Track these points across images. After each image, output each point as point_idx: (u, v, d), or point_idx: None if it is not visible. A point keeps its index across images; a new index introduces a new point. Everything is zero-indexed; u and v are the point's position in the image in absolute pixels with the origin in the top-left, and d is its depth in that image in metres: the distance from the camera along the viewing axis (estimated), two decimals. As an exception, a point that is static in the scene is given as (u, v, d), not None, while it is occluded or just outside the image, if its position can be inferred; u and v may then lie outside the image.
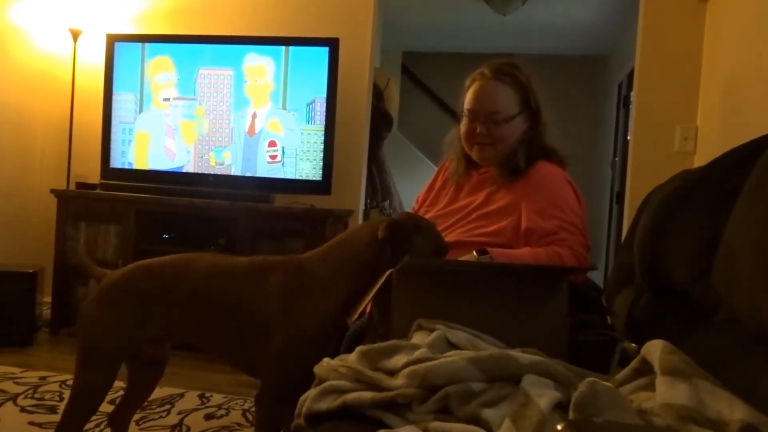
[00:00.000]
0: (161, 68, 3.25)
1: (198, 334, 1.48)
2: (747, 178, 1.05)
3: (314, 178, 3.07)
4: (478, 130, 1.69)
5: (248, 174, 3.15)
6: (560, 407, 0.78)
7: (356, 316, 1.68)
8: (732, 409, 0.68)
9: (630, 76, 3.53)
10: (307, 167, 3.09)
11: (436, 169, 1.92)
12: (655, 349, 0.81)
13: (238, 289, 1.41)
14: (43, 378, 2.50)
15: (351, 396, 0.93)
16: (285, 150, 3.12)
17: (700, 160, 2.74)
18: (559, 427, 0.51)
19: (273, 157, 3.14)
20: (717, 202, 1.19)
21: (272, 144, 3.15)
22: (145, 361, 1.62)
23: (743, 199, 1.05)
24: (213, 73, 3.20)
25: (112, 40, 3.30)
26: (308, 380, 1.38)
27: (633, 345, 1.33)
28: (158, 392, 2.30)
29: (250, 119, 3.17)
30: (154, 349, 1.59)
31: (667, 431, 0.64)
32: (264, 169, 3.14)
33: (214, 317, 1.43)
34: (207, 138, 3.22)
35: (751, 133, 1.28)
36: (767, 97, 2.14)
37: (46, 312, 3.29)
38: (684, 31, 2.95)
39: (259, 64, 3.16)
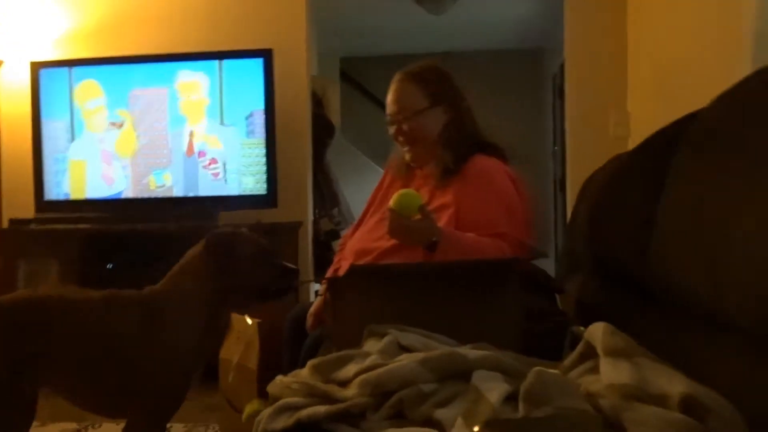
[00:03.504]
0: (89, 93, 3.15)
1: (60, 375, 1.43)
2: (673, 158, 1.09)
3: (259, 192, 3.03)
4: (394, 131, 1.76)
5: (191, 194, 3.08)
6: (511, 399, 0.79)
7: (311, 323, 1.67)
8: (672, 383, 0.70)
9: (563, 67, 3.61)
10: (251, 181, 3.04)
11: (382, 171, 1.95)
12: (597, 332, 0.83)
13: (99, 322, 1.40)
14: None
15: (305, 412, 0.92)
16: (226, 166, 3.06)
17: (633, 144, 2.81)
18: (475, 429, 0.51)
19: (215, 174, 3.08)
20: (649, 182, 1.22)
21: (213, 161, 3.09)
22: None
23: (673, 180, 1.08)
24: (146, 93, 3.12)
25: (37, 68, 3.18)
26: (177, 407, 1.41)
27: (582, 328, 1.36)
28: (117, 426, 2.22)
29: (187, 137, 3.11)
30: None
31: (580, 417, 0.65)
32: (207, 188, 3.07)
33: (75, 354, 1.40)
34: (145, 161, 3.13)
35: (679, 113, 1.32)
36: (692, 78, 2.23)
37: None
38: (608, 21, 3.05)
39: (193, 80, 3.10)
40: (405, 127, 1.72)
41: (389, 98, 1.77)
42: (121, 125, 3.14)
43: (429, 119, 1.72)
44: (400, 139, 1.76)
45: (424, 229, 1.47)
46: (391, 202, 1.50)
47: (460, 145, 1.69)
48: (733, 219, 0.79)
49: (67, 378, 1.43)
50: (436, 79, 1.74)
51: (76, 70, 3.16)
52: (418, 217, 1.48)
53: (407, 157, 1.77)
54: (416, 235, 1.49)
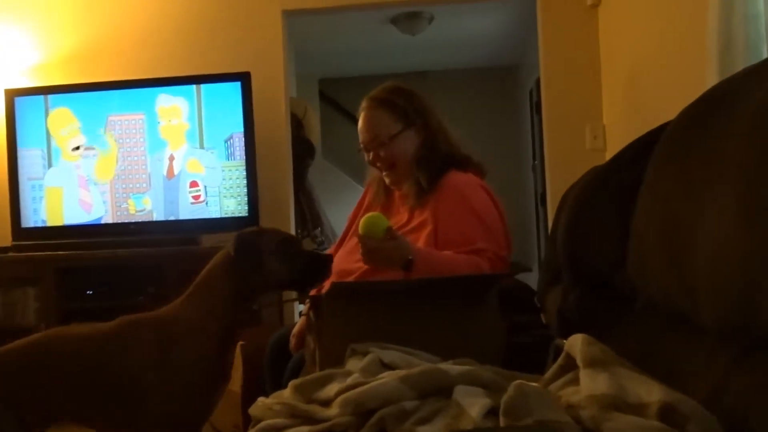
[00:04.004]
0: (62, 120, 3.13)
1: (79, 415, 1.40)
2: (645, 167, 1.11)
3: (240, 215, 3.02)
4: (371, 158, 1.77)
5: (171, 218, 3.06)
6: (492, 413, 0.79)
7: (294, 343, 1.66)
8: (650, 392, 0.70)
9: (538, 82, 3.67)
10: (232, 204, 3.03)
11: (363, 190, 1.96)
12: (576, 344, 0.84)
13: (110, 356, 1.37)
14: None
15: (287, 433, 0.91)
16: (207, 189, 3.05)
17: (610, 155, 2.86)
18: None
19: (196, 197, 3.06)
20: (624, 192, 1.24)
21: (194, 184, 3.08)
22: None
23: (645, 190, 1.10)
24: (123, 119, 3.11)
25: (11, 95, 3.16)
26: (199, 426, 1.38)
27: (565, 341, 1.37)
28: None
29: (167, 162, 3.09)
30: None
31: (560, 428, 0.65)
32: (187, 211, 3.06)
33: (92, 391, 1.37)
34: (123, 185, 3.11)
35: (652, 124, 1.35)
36: (664, 89, 2.28)
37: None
38: (580, 35, 3.11)
39: (173, 104, 3.09)
40: (381, 153, 1.73)
41: (361, 126, 1.78)
42: (97, 151, 3.12)
43: (404, 142, 1.73)
44: (378, 165, 1.77)
45: (396, 249, 1.48)
46: (360, 229, 1.51)
47: (434, 164, 1.70)
48: (700, 225, 0.80)
49: (89, 413, 1.40)
50: (404, 100, 1.75)
51: (52, 98, 3.15)
52: (387, 238, 1.48)
53: (387, 180, 1.78)
54: (389, 256, 1.49)
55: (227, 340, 1.40)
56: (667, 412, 0.67)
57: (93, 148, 3.12)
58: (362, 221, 1.50)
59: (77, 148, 3.12)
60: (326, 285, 1.66)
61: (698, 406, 0.68)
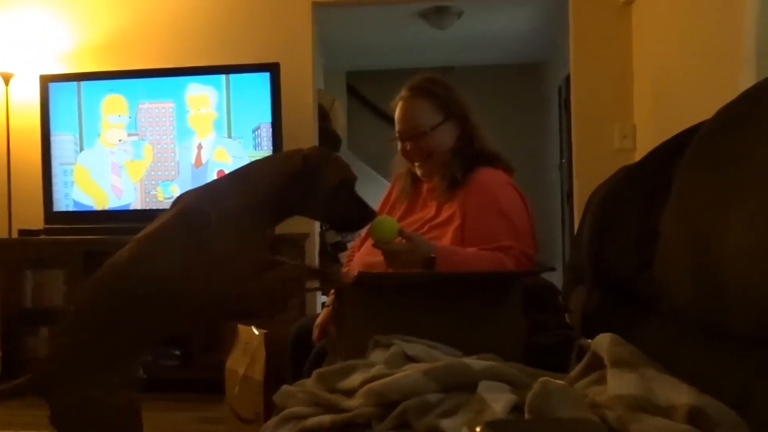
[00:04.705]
0: (115, 107, 3.18)
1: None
2: (676, 170, 1.09)
3: (266, 204, 3.04)
4: (408, 148, 1.74)
5: (198, 206, 3.10)
6: (517, 410, 0.79)
7: (317, 334, 1.67)
8: (678, 394, 0.70)
9: (568, 80, 3.63)
10: (258, 194, 3.06)
11: (389, 184, 1.95)
12: (603, 343, 0.83)
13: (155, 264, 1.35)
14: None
15: (310, 421, 0.92)
16: (234, 178, 3.08)
17: (639, 156, 2.81)
18: (477, 429, 0.51)
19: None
20: (652, 195, 1.22)
21: (221, 173, 3.11)
22: None
23: (674, 193, 1.09)
24: (153, 107, 3.15)
25: (46, 81, 3.22)
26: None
27: (589, 341, 1.36)
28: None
29: (195, 150, 3.13)
30: None
31: (586, 426, 0.65)
32: (214, 200, 3.09)
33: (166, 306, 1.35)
34: (152, 173, 3.16)
35: (683, 125, 1.33)
36: (696, 90, 2.24)
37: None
38: (612, 32, 3.07)
39: (202, 93, 3.13)
40: (420, 143, 1.71)
41: (400, 115, 1.75)
42: (130, 137, 3.17)
43: (442, 134, 1.71)
44: (412, 155, 1.74)
45: (415, 249, 1.47)
46: (372, 237, 1.49)
47: (469, 158, 1.68)
48: (731, 230, 0.79)
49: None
50: (445, 92, 1.74)
51: (86, 84, 3.20)
52: (401, 240, 1.47)
53: (419, 172, 1.76)
54: (410, 259, 1.48)
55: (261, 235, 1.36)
56: (695, 416, 0.66)
57: (128, 135, 3.17)
58: (371, 228, 1.48)
59: (114, 136, 3.18)
60: (351, 275, 1.67)
61: (729, 411, 0.67)
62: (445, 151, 1.70)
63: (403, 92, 1.76)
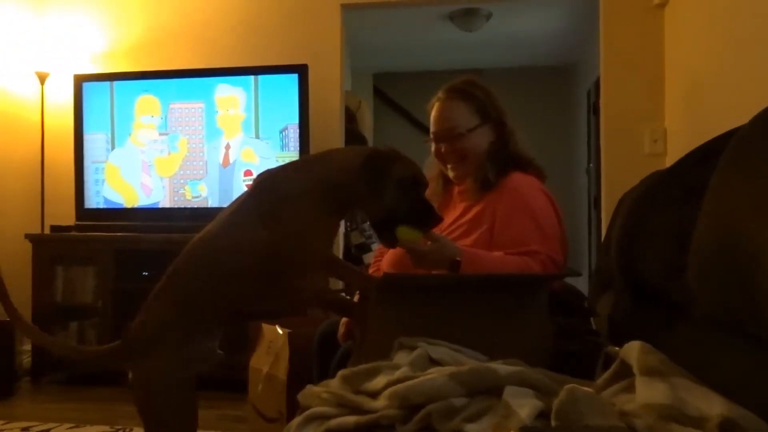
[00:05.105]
0: (148, 108, 3.24)
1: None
2: (710, 175, 1.07)
3: (292, 205, 3.06)
4: (443, 149, 1.73)
5: (225, 205, 3.13)
6: (543, 416, 0.78)
7: (343, 331, 1.67)
8: (710, 405, 0.68)
9: (597, 83, 3.58)
10: (284, 194, 3.08)
11: None
12: (632, 351, 0.82)
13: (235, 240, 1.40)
14: (25, 429, 2.44)
15: (334, 422, 0.92)
16: (261, 178, 3.11)
17: (670, 161, 2.78)
18: None
19: (249, 186, 3.13)
20: (684, 200, 1.20)
21: (248, 173, 3.14)
22: None
23: (709, 198, 1.06)
24: (183, 107, 3.20)
25: (80, 81, 3.29)
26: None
27: (616, 348, 1.34)
28: None
29: (223, 150, 3.17)
30: None
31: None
32: (241, 199, 3.12)
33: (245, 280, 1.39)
34: (181, 172, 3.20)
35: (716, 130, 1.30)
36: (729, 94, 2.19)
37: (27, 360, 3.22)
38: (644, 35, 3.02)
39: (231, 94, 3.16)
40: (456, 144, 1.71)
41: (436, 116, 1.74)
42: (161, 137, 3.22)
43: (478, 137, 1.71)
44: (446, 156, 1.74)
45: (441, 249, 1.46)
46: (398, 237, 1.48)
47: (503, 162, 1.68)
48: (767, 237, 0.77)
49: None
50: (483, 95, 1.73)
51: (118, 84, 3.26)
52: (426, 241, 1.47)
53: (451, 174, 1.76)
54: (436, 259, 1.47)
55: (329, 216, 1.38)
56: (728, 428, 0.65)
57: (159, 134, 3.22)
58: (397, 228, 1.48)
59: (146, 136, 3.23)
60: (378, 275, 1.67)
61: (762, 423, 0.65)
62: (479, 153, 1.69)
63: (441, 93, 1.76)
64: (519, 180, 1.65)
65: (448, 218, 1.72)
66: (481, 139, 1.70)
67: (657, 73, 2.99)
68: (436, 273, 1.51)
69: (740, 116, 1.04)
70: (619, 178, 2.85)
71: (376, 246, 3.81)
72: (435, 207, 1.43)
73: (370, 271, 1.85)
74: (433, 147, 1.77)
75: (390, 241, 1.43)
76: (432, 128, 1.76)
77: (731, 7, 2.20)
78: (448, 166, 1.75)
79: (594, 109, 5.34)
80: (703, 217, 1.03)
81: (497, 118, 1.72)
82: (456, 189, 1.77)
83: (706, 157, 1.22)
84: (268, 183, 1.43)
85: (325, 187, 1.36)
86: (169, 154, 3.22)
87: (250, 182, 3.16)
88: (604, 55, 3.13)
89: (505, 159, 1.68)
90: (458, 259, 1.46)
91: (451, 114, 1.72)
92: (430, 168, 1.83)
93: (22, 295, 3.22)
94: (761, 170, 0.89)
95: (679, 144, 2.79)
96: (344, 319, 1.69)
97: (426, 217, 1.39)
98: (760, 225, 0.81)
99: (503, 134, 1.72)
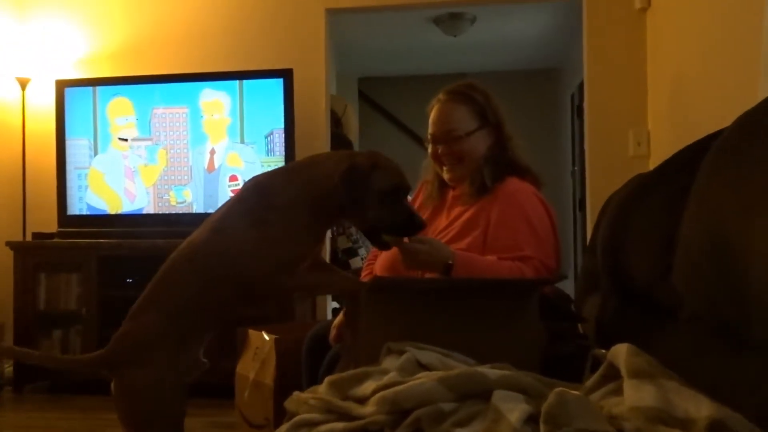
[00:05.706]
0: (120, 110, 3.21)
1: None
2: (694, 177, 1.08)
3: (278, 210, 3.05)
4: (440, 151, 1.73)
5: (210, 210, 3.10)
6: (532, 420, 0.77)
7: (334, 335, 1.67)
8: (698, 407, 0.68)
9: (581, 86, 3.61)
10: (270, 199, 3.06)
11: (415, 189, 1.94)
12: (620, 353, 0.82)
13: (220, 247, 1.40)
14: (8, 439, 2.40)
15: (323, 428, 0.91)
16: (246, 183, 3.09)
17: (654, 163, 2.80)
18: None
19: (235, 191, 3.10)
20: (670, 202, 1.21)
21: (233, 178, 3.12)
22: None
23: (694, 199, 1.07)
24: (168, 112, 3.17)
25: (62, 86, 3.25)
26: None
27: (603, 351, 1.34)
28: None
29: (208, 155, 3.14)
30: None
31: None
32: (226, 204, 3.10)
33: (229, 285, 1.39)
34: (165, 177, 3.17)
35: (700, 132, 1.31)
36: (712, 97, 2.22)
37: (8, 369, 3.17)
38: (628, 39, 3.05)
39: (216, 99, 3.14)
40: (454, 147, 1.71)
41: (435, 118, 1.74)
42: (144, 142, 3.19)
43: (477, 140, 1.71)
44: (443, 158, 1.74)
45: (434, 251, 1.47)
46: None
47: (500, 166, 1.68)
48: (753, 237, 0.78)
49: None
50: (483, 99, 1.73)
51: (101, 89, 3.23)
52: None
53: (446, 176, 1.75)
54: (428, 260, 1.47)
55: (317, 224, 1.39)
56: (716, 429, 0.65)
57: (140, 139, 3.19)
58: (385, 236, 1.48)
59: (125, 139, 3.20)
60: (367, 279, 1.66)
61: (749, 424, 0.66)
62: (477, 157, 1.69)
63: (441, 95, 1.76)
64: (515, 185, 1.66)
65: (442, 221, 1.72)
66: (479, 142, 1.71)
67: (640, 76, 3.02)
68: (427, 277, 1.51)
69: (723, 119, 1.06)
70: (603, 181, 2.87)
71: (363, 251, 3.80)
72: (417, 212, 1.43)
73: (363, 273, 1.85)
74: (430, 148, 1.77)
75: (382, 245, 1.43)
76: (430, 129, 1.76)
77: (712, 11, 2.23)
78: (444, 168, 1.75)
79: (578, 112, 5.38)
80: (689, 219, 1.04)
81: (496, 123, 1.72)
82: (451, 193, 1.77)
83: (690, 159, 1.23)
84: (256, 190, 1.43)
85: (312, 196, 1.37)
86: (148, 165, 3.19)
87: (236, 187, 3.17)
88: (587, 58, 3.15)
89: (502, 164, 1.69)
90: (450, 262, 1.46)
91: (451, 116, 1.72)
92: (426, 171, 1.83)
93: (3, 304, 3.18)
94: (746, 172, 0.90)
95: (662, 146, 2.82)
96: (336, 321, 1.68)
97: (409, 226, 1.39)
98: (746, 226, 0.82)
99: (501, 139, 1.72)
